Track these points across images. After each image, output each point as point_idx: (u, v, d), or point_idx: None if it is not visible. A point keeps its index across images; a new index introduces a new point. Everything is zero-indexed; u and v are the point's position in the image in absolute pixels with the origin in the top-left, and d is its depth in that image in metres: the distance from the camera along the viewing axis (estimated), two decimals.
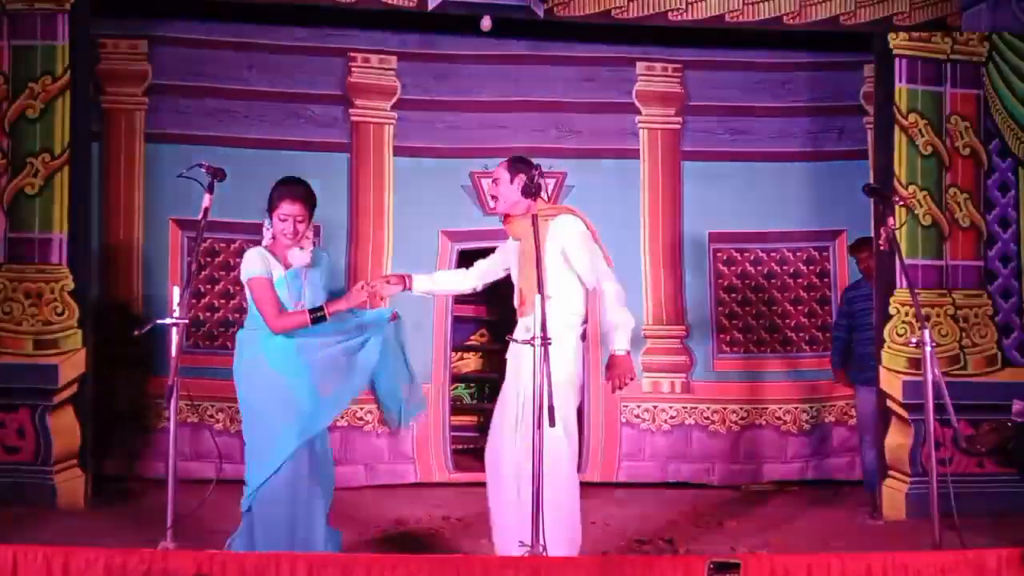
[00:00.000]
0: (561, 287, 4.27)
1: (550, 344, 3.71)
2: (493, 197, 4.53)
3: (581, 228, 4.37)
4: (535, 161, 4.44)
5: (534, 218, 4.03)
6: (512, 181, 4.37)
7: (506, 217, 4.48)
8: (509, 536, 4.13)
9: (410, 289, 4.55)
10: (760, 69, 7.00)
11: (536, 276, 3.90)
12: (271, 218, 4.10)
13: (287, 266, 4.10)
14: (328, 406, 4.13)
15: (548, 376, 3.63)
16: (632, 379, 4.32)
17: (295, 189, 4.14)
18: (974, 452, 5.89)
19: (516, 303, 4.43)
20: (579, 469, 6.67)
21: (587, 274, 4.31)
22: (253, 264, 4.06)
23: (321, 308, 4.04)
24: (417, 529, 5.51)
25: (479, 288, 4.84)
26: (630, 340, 4.31)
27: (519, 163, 4.40)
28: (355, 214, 6.74)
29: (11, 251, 5.67)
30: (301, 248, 4.14)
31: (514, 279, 4.50)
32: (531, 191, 4.14)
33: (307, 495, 4.02)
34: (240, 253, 6.60)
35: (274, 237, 4.12)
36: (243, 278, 4.08)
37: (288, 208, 4.08)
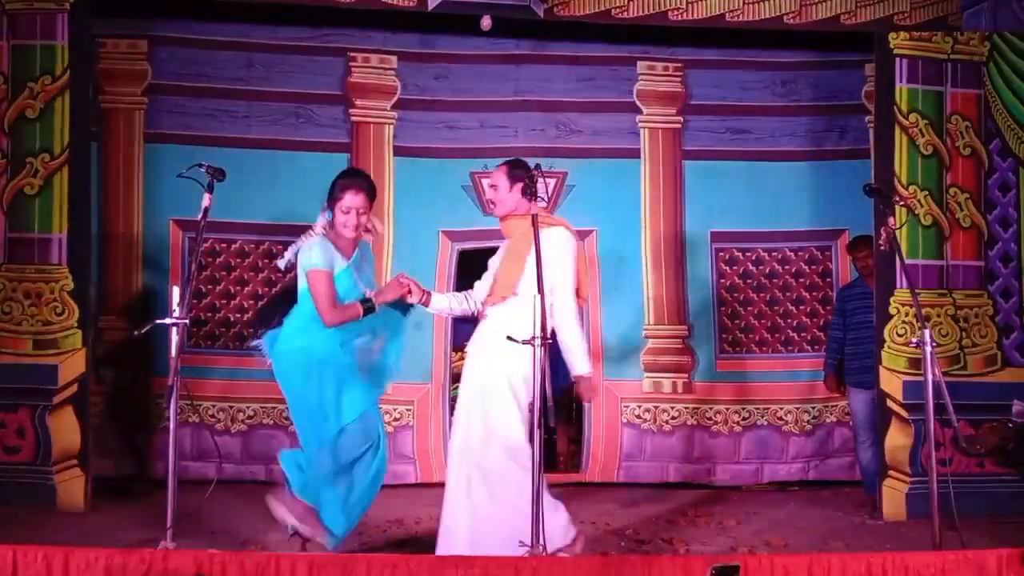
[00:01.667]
0: (528, 290, 4.22)
1: (550, 343, 3.72)
2: (491, 202, 4.53)
3: (570, 244, 4.38)
4: (535, 161, 4.46)
5: (534, 218, 4.04)
6: (511, 187, 4.40)
7: (502, 219, 4.49)
8: (452, 537, 4.18)
9: (426, 304, 4.61)
10: (761, 68, 7.00)
11: (524, 278, 3.98)
12: (332, 210, 4.20)
13: (347, 258, 4.21)
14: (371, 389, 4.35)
15: (548, 376, 3.64)
16: (592, 397, 4.53)
17: (359, 181, 4.27)
18: (974, 452, 5.89)
19: (487, 293, 4.45)
20: (579, 469, 6.77)
21: (554, 283, 4.24)
22: (316, 255, 4.12)
23: (370, 300, 4.16)
24: (417, 529, 5.50)
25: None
26: (587, 361, 4.37)
27: (517, 168, 4.42)
28: None
29: (11, 251, 5.67)
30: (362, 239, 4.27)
31: (492, 271, 4.53)
32: (531, 191, 4.16)
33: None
34: (241, 254, 6.63)
35: (331, 229, 4.21)
36: (303, 268, 4.14)
37: (351, 200, 4.19)
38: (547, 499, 4.09)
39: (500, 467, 4.16)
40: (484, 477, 4.20)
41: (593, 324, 6.75)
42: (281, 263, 4.26)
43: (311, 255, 4.12)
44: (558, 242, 4.32)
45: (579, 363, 4.35)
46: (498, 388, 4.26)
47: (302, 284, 4.18)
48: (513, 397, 4.24)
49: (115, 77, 6.55)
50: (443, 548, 4.27)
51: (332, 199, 4.22)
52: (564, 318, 4.31)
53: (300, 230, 6.59)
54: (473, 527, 4.19)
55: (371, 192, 4.28)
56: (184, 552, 3.34)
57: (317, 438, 4.17)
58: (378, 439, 4.29)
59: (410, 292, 4.48)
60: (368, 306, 4.16)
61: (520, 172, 4.39)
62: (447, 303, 4.71)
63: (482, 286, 4.63)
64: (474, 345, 4.48)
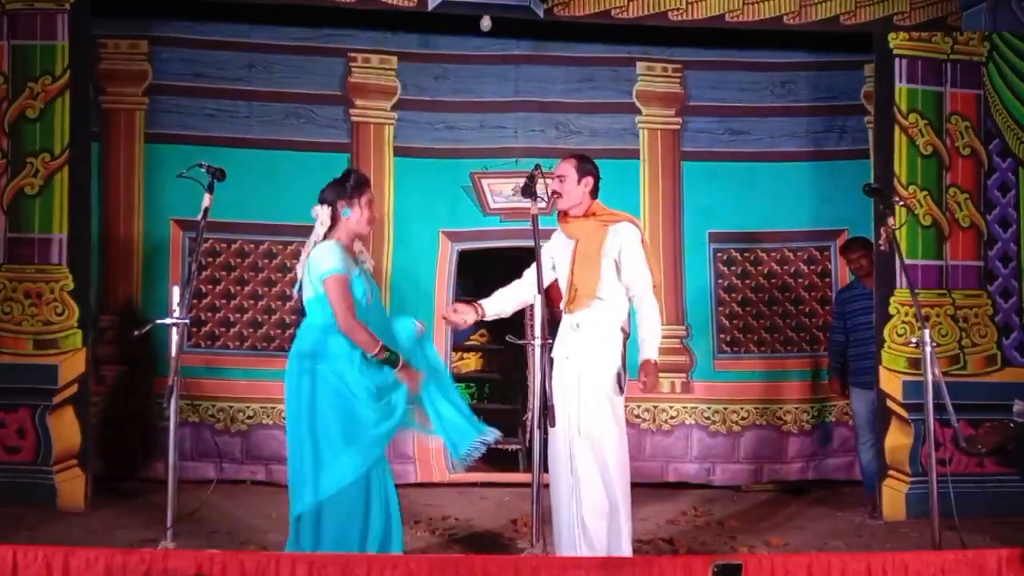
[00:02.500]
0: (612, 291, 4.34)
1: (550, 343, 3.73)
2: (556, 193, 4.44)
3: (639, 237, 4.42)
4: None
5: (534, 219, 4.04)
6: (579, 181, 4.40)
7: (562, 215, 4.48)
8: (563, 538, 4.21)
9: (483, 317, 4.53)
10: (760, 69, 7.00)
11: (604, 279, 4.03)
12: (350, 207, 3.98)
13: (357, 262, 4.03)
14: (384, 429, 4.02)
15: (548, 376, 3.64)
16: (655, 383, 4.44)
17: (366, 175, 4.18)
18: (974, 452, 5.89)
19: (564, 301, 4.42)
20: None
21: (634, 280, 4.35)
22: (334, 259, 3.87)
23: (397, 355, 3.90)
24: (417, 529, 5.50)
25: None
26: (657, 350, 4.42)
27: (587, 163, 4.44)
28: None
29: (11, 251, 5.67)
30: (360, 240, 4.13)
31: (562, 276, 4.48)
32: (531, 191, 4.15)
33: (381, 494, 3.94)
34: (241, 254, 6.63)
35: (331, 232, 4.00)
36: (320, 273, 3.86)
37: (370, 193, 4.07)
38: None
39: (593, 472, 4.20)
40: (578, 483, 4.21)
41: None
42: (297, 286, 4.02)
43: (327, 260, 3.87)
44: (631, 237, 4.36)
45: (649, 348, 4.37)
46: (598, 395, 4.29)
47: (312, 294, 3.92)
48: (609, 402, 4.29)
49: (115, 77, 6.55)
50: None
51: (350, 196, 3.99)
52: (649, 313, 4.36)
53: (300, 230, 6.60)
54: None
55: None
56: (184, 552, 3.35)
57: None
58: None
59: (466, 321, 4.49)
60: (389, 357, 3.88)
61: (590, 167, 4.42)
62: (500, 307, 4.58)
63: (530, 274, 4.55)
64: (561, 352, 4.39)
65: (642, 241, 4.44)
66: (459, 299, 6.24)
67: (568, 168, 4.41)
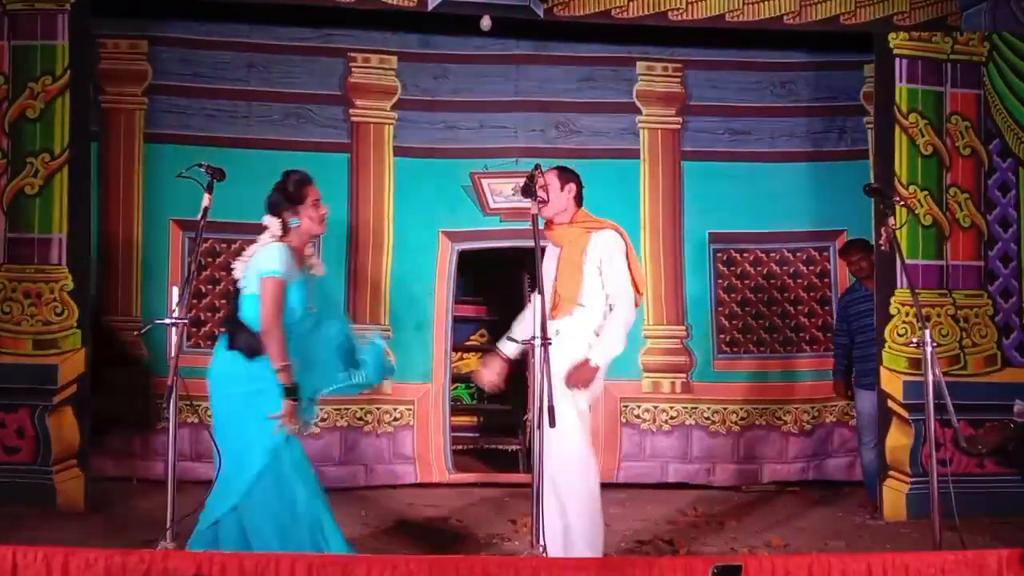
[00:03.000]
0: (594, 297, 4.36)
1: (550, 344, 3.72)
2: (542, 201, 4.43)
3: (621, 244, 4.45)
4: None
5: (533, 219, 4.05)
6: (562, 188, 4.46)
7: (548, 223, 4.52)
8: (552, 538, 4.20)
9: (508, 358, 4.54)
10: (760, 69, 7.00)
11: (586, 286, 4.01)
12: (296, 211, 3.96)
13: (301, 268, 3.99)
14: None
15: (548, 376, 3.64)
16: (583, 386, 4.30)
17: (309, 175, 4.13)
18: (975, 452, 5.89)
19: (549, 307, 4.41)
20: None
21: (612, 288, 4.36)
22: (276, 260, 3.85)
23: (296, 388, 3.80)
24: (417, 529, 5.50)
25: None
26: (606, 361, 4.34)
27: (568, 171, 4.53)
28: (355, 214, 6.73)
29: (11, 251, 5.67)
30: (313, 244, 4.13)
31: (548, 284, 4.45)
32: (531, 191, 4.17)
33: (297, 495, 3.87)
34: (240, 254, 6.62)
35: (286, 232, 3.96)
36: (258, 272, 3.85)
37: (315, 191, 4.06)
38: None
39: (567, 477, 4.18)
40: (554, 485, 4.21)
41: None
42: (237, 273, 4.00)
43: (270, 260, 3.85)
44: (612, 246, 4.39)
45: (601, 353, 4.31)
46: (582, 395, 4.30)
47: (251, 290, 3.88)
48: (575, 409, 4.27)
49: (115, 77, 6.55)
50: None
51: (297, 199, 3.98)
52: (613, 321, 4.33)
53: None
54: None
55: None
56: (184, 552, 3.35)
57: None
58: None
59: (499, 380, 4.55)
60: (291, 391, 3.78)
61: (571, 175, 4.50)
62: (517, 345, 4.54)
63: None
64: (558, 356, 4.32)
65: (627, 249, 4.45)
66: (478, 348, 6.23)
67: (550, 177, 4.46)
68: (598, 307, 4.37)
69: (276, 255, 3.86)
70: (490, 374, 4.54)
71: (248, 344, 3.84)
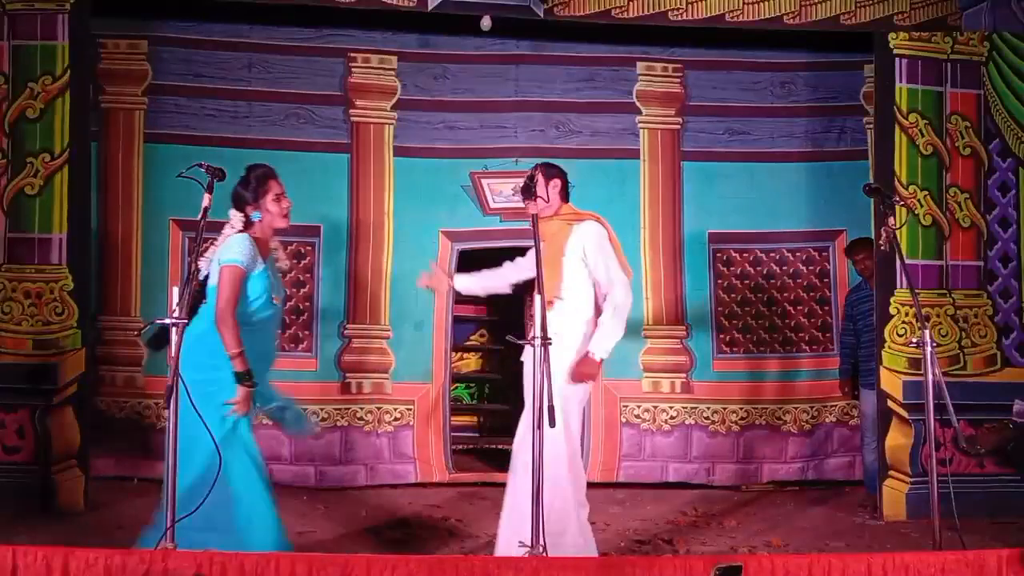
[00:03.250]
0: (575, 290, 4.43)
1: (550, 344, 3.72)
2: (544, 201, 4.54)
3: (603, 233, 4.51)
4: (535, 161, 4.48)
5: (534, 219, 4.06)
6: (547, 185, 4.51)
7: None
8: (507, 535, 4.20)
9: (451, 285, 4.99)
10: (760, 69, 7.00)
11: (566, 278, 4.02)
12: (258, 205, 4.08)
13: (265, 259, 4.10)
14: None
15: (548, 376, 3.64)
16: (589, 380, 4.47)
17: (271, 168, 4.22)
18: (974, 452, 5.89)
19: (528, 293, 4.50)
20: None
21: (602, 277, 4.44)
22: (238, 250, 3.97)
23: (250, 376, 3.92)
24: (417, 529, 5.50)
25: (512, 285, 5.03)
26: (609, 349, 4.47)
27: (552, 167, 4.59)
28: (355, 214, 6.73)
29: (11, 251, 5.66)
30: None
31: (526, 270, 4.61)
32: (531, 191, 4.19)
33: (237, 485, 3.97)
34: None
35: (249, 225, 4.07)
36: (221, 260, 3.96)
37: (277, 186, 4.15)
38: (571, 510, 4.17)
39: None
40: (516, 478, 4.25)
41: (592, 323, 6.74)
42: (204, 270, 4.08)
43: (232, 249, 3.97)
44: (595, 236, 4.46)
45: (600, 345, 4.43)
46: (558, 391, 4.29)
47: (215, 281, 3.99)
48: (567, 400, 4.33)
49: (115, 77, 6.55)
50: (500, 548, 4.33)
51: (257, 194, 4.09)
52: (610, 308, 4.42)
53: (300, 230, 6.66)
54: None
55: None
56: (184, 552, 3.34)
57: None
58: None
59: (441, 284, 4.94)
60: (244, 377, 3.91)
61: (555, 171, 4.56)
62: (469, 285, 4.99)
63: (514, 266, 4.87)
64: (527, 356, 4.44)
65: (610, 238, 4.53)
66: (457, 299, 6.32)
67: (535, 174, 4.52)
68: (581, 299, 4.44)
69: (237, 245, 4.00)
70: (437, 281, 5.05)
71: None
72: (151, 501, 5.50)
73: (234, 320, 3.93)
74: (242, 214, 4.08)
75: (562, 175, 4.60)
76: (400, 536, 5.35)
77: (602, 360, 4.45)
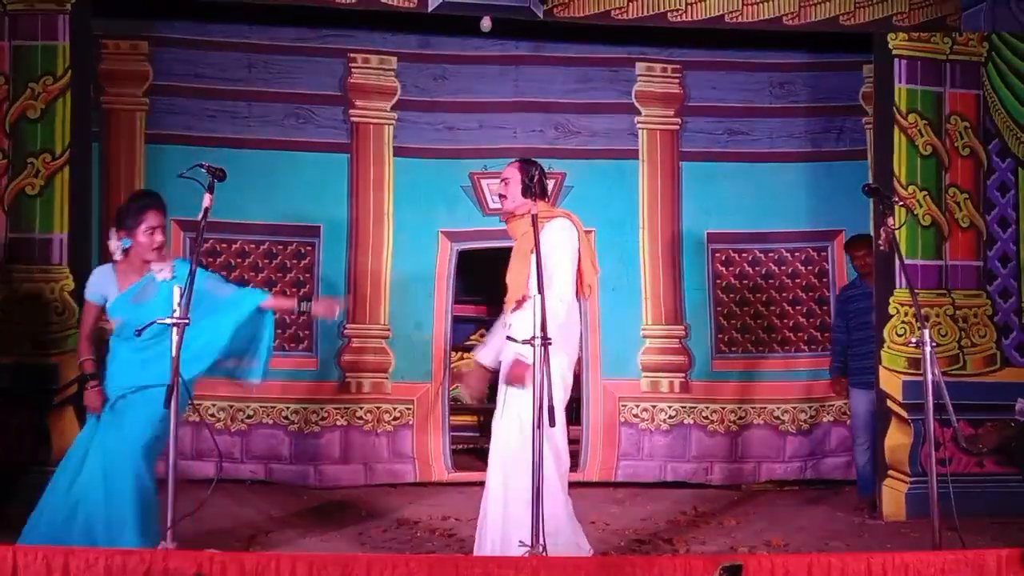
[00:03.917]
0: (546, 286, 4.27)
1: (550, 344, 3.72)
2: (502, 196, 4.54)
3: (568, 233, 4.35)
4: (535, 161, 4.48)
5: (534, 218, 4.05)
6: (523, 182, 4.41)
7: (509, 216, 4.51)
8: (488, 535, 4.20)
9: (487, 367, 4.59)
10: (759, 69, 7.01)
11: (534, 276, 3.94)
12: (129, 236, 4.22)
13: (127, 286, 4.25)
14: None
15: (548, 376, 3.64)
16: (521, 386, 4.17)
17: (157, 200, 4.31)
18: (976, 451, 5.90)
19: (505, 300, 4.45)
20: (577, 468, 6.76)
21: (549, 276, 4.14)
22: (89, 284, 4.31)
23: (95, 375, 4.28)
24: (417, 529, 5.50)
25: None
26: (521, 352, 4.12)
27: (531, 165, 4.45)
28: (355, 214, 6.74)
29: (11, 251, 5.67)
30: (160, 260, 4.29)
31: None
32: (532, 191, 4.16)
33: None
34: (241, 254, 6.64)
35: (125, 256, 4.24)
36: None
37: (155, 219, 4.23)
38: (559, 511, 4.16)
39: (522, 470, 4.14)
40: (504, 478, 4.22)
41: (591, 324, 6.76)
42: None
43: (88, 286, 4.32)
44: (558, 232, 4.32)
45: (505, 351, 4.29)
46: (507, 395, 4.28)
47: None
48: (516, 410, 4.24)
49: (116, 78, 6.55)
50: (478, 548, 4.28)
51: (130, 224, 4.22)
52: (530, 313, 4.06)
53: (300, 230, 6.67)
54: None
55: (165, 210, 4.35)
56: (184, 552, 3.34)
57: None
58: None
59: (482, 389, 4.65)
60: (88, 377, 4.31)
61: (534, 169, 4.40)
62: (493, 354, 4.55)
63: (501, 324, 4.62)
64: (505, 356, 4.37)
65: (579, 237, 4.37)
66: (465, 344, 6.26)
67: (512, 171, 4.47)
68: (553, 296, 4.19)
69: (91, 277, 4.33)
70: (476, 387, 4.61)
71: None
72: None
73: (80, 340, 4.37)
74: (118, 234, 4.24)
75: (540, 172, 4.37)
76: (400, 536, 5.35)
77: (524, 361, 4.07)
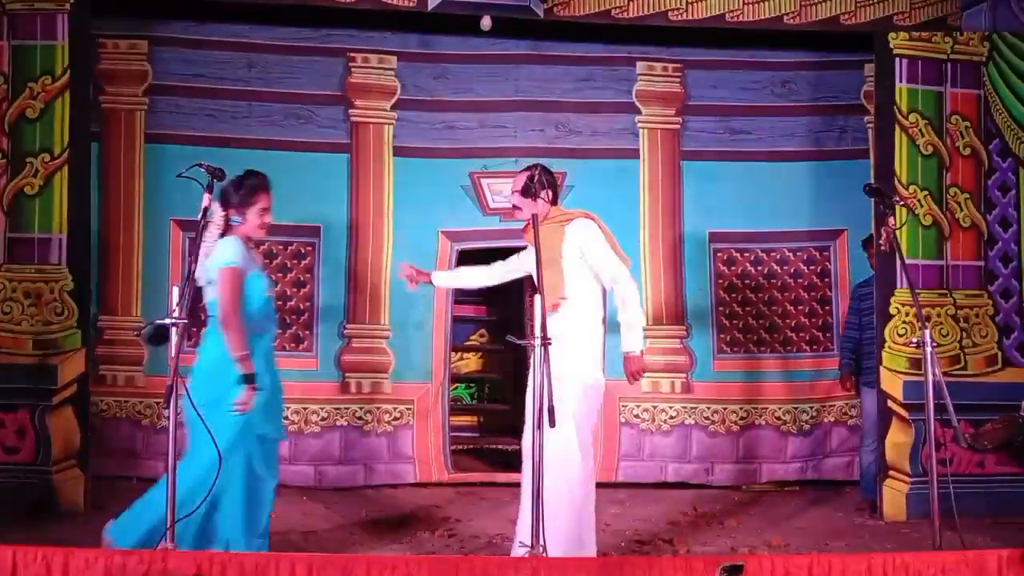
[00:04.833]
0: (578, 289, 4.41)
1: (550, 344, 3.72)
2: (516, 207, 4.63)
3: (597, 229, 4.50)
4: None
5: (534, 218, 4.07)
6: (545, 191, 4.52)
7: (526, 226, 4.57)
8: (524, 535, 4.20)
9: (430, 282, 5.03)
10: (760, 69, 7.00)
11: (542, 278, 3.99)
12: (244, 212, 4.11)
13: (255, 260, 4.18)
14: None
15: (548, 376, 3.64)
16: (640, 375, 4.51)
17: (267, 180, 4.24)
18: (981, 448, 5.89)
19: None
20: None
21: (604, 272, 4.44)
22: (231, 252, 4.01)
23: (254, 376, 3.95)
24: (417, 529, 5.50)
25: (495, 283, 5.16)
26: (641, 339, 4.47)
27: (550, 174, 4.62)
28: (355, 214, 6.73)
29: (11, 251, 5.67)
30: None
31: (521, 271, 4.69)
32: (531, 191, 4.18)
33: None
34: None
35: (228, 226, 4.10)
36: (218, 263, 3.99)
37: (267, 200, 4.18)
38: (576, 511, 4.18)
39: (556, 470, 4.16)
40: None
41: None
42: (200, 278, 4.07)
43: (225, 252, 4.01)
44: (588, 232, 4.46)
45: (633, 340, 4.44)
46: (570, 393, 4.28)
47: (212, 295, 4.03)
48: (577, 400, 4.33)
49: (115, 77, 6.54)
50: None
51: (246, 202, 4.13)
52: (628, 298, 4.43)
53: (300, 230, 6.67)
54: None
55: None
56: (184, 552, 3.35)
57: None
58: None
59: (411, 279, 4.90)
60: (250, 377, 3.94)
61: (552, 178, 4.60)
62: (451, 280, 5.36)
63: (503, 265, 4.94)
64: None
65: (602, 229, 4.53)
66: (457, 300, 6.32)
67: (520, 181, 4.54)
68: (587, 298, 4.43)
69: (231, 247, 4.03)
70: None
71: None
72: None
73: (239, 321, 3.95)
74: (224, 213, 4.12)
75: (555, 182, 4.62)
76: (400, 536, 5.34)
77: (642, 352, 4.45)
